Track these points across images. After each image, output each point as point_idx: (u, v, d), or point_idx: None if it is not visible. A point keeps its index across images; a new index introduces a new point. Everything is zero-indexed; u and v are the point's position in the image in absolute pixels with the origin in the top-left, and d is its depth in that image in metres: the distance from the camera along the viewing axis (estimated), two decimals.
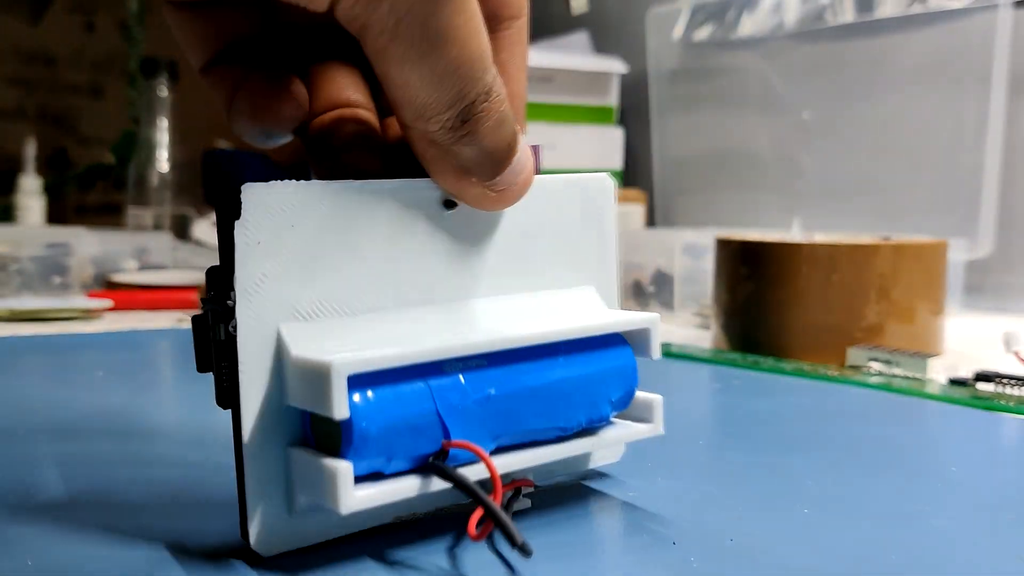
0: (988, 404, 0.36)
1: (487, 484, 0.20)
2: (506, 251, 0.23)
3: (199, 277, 0.68)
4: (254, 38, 0.22)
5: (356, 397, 0.18)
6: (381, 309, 0.21)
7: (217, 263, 0.19)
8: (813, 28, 0.82)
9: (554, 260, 0.24)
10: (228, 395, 0.19)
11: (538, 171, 0.22)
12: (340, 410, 0.18)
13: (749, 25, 0.87)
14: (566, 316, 0.23)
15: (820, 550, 0.21)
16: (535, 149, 0.21)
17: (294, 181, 0.19)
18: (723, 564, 0.20)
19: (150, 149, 1.09)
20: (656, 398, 0.24)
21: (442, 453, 0.19)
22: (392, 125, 0.23)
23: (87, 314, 0.57)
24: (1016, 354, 0.47)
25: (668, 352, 0.46)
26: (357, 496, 0.18)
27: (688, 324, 0.59)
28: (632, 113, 1.06)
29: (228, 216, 0.19)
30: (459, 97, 0.19)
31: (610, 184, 0.25)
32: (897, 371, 0.41)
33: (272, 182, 0.19)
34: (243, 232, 0.19)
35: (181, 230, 1.07)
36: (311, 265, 0.20)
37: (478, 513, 0.19)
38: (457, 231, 0.22)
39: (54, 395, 0.36)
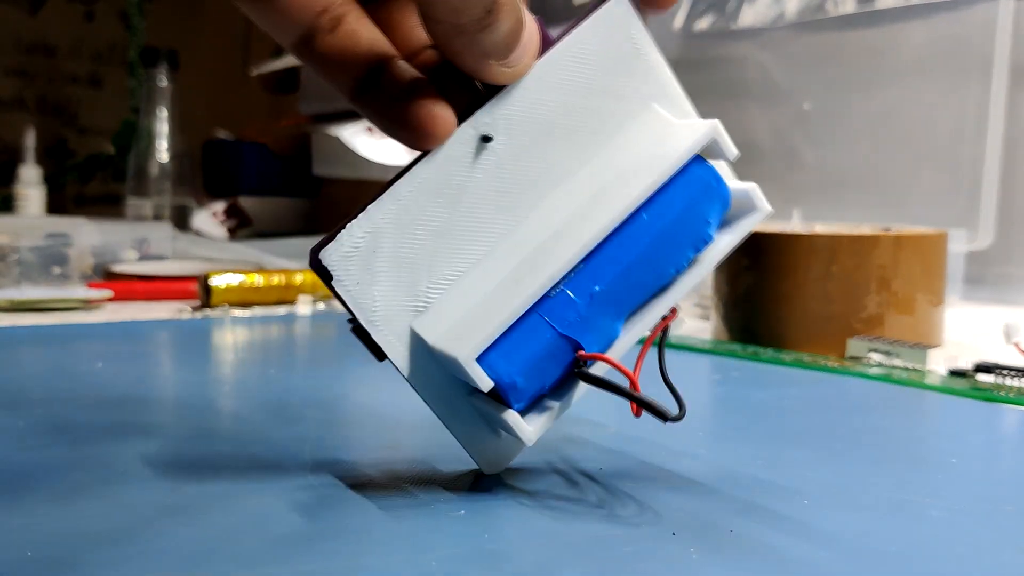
0: (988, 395, 0.36)
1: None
2: (561, 136, 0.24)
3: (199, 267, 0.67)
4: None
5: (491, 363, 0.21)
6: (480, 259, 0.23)
7: None
8: (814, 18, 0.82)
9: (605, 108, 0.24)
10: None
11: (545, 40, 0.23)
12: (484, 383, 0.21)
13: (749, 15, 0.87)
14: (633, 172, 0.23)
15: (820, 541, 0.21)
16: (538, 20, 0.23)
17: (352, 220, 0.22)
18: (723, 555, 0.20)
19: (150, 139, 1.09)
20: (750, 186, 0.24)
21: (579, 362, 0.22)
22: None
23: (87, 304, 0.57)
24: (1016, 345, 0.47)
25: (668, 343, 0.46)
26: (531, 429, 0.22)
27: (688, 315, 0.59)
28: None
29: (327, 280, 0.22)
30: None
31: (624, 3, 0.24)
32: (897, 362, 0.41)
33: (337, 235, 0.22)
34: (341, 286, 0.22)
35: (181, 220, 1.06)
36: (408, 265, 0.23)
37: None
38: (508, 152, 0.23)
39: (54, 386, 0.36)
